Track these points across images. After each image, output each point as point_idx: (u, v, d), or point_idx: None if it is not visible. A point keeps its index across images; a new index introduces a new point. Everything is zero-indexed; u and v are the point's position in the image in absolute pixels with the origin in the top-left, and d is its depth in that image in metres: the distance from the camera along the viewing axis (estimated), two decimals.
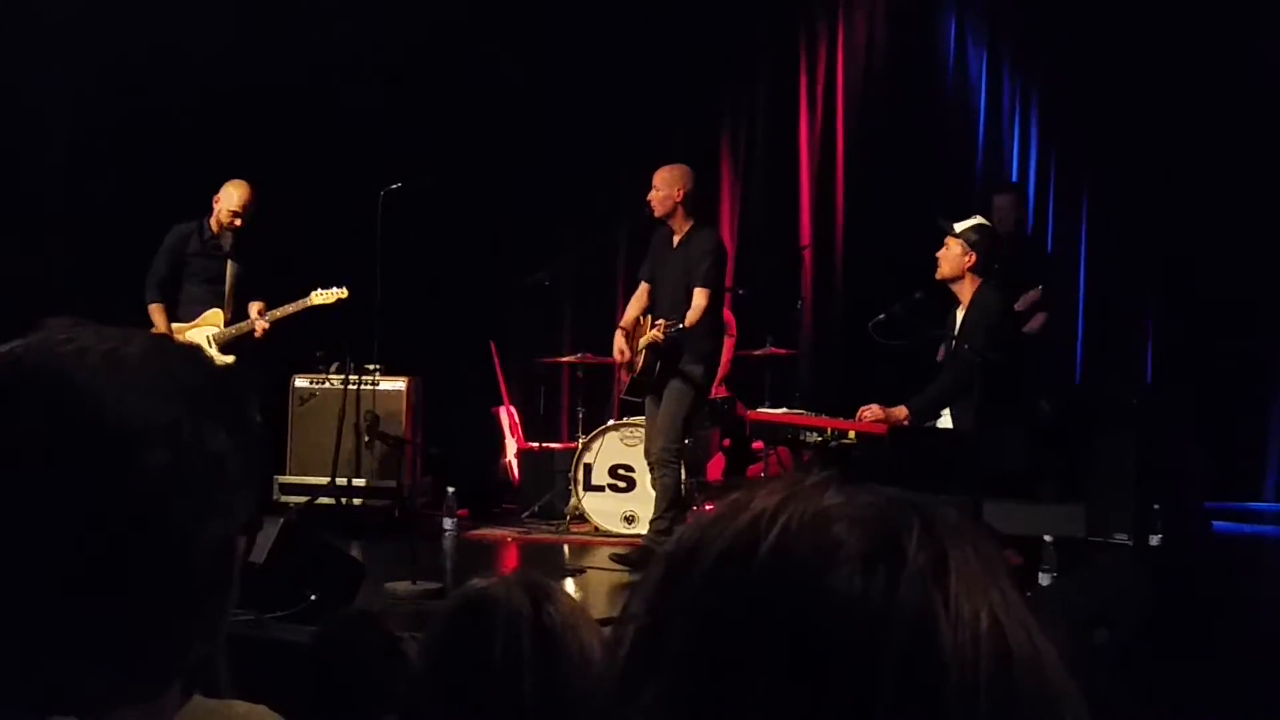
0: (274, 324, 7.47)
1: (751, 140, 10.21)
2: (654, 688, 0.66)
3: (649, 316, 6.83)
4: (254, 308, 7.48)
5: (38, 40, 8.16)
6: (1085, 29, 9.44)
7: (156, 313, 7.44)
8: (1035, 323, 7.77)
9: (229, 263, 7.49)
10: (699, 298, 6.60)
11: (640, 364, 6.75)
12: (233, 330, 7.42)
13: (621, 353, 6.91)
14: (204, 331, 7.43)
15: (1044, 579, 5.77)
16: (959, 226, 6.26)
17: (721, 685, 0.64)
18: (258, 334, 7.41)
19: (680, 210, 6.77)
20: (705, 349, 6.72)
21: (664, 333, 6.41)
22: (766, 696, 0.63)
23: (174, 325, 7.41)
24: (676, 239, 6.82)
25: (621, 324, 7.02)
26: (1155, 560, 6.61)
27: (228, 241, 7.47)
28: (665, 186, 6.75)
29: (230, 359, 7.28)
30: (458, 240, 9.12)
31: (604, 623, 1.87)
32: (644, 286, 7.03)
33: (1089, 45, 9.44)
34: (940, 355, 7.87)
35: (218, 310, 7.47)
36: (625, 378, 7.01)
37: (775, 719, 0.63)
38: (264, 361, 7.51)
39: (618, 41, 9.51)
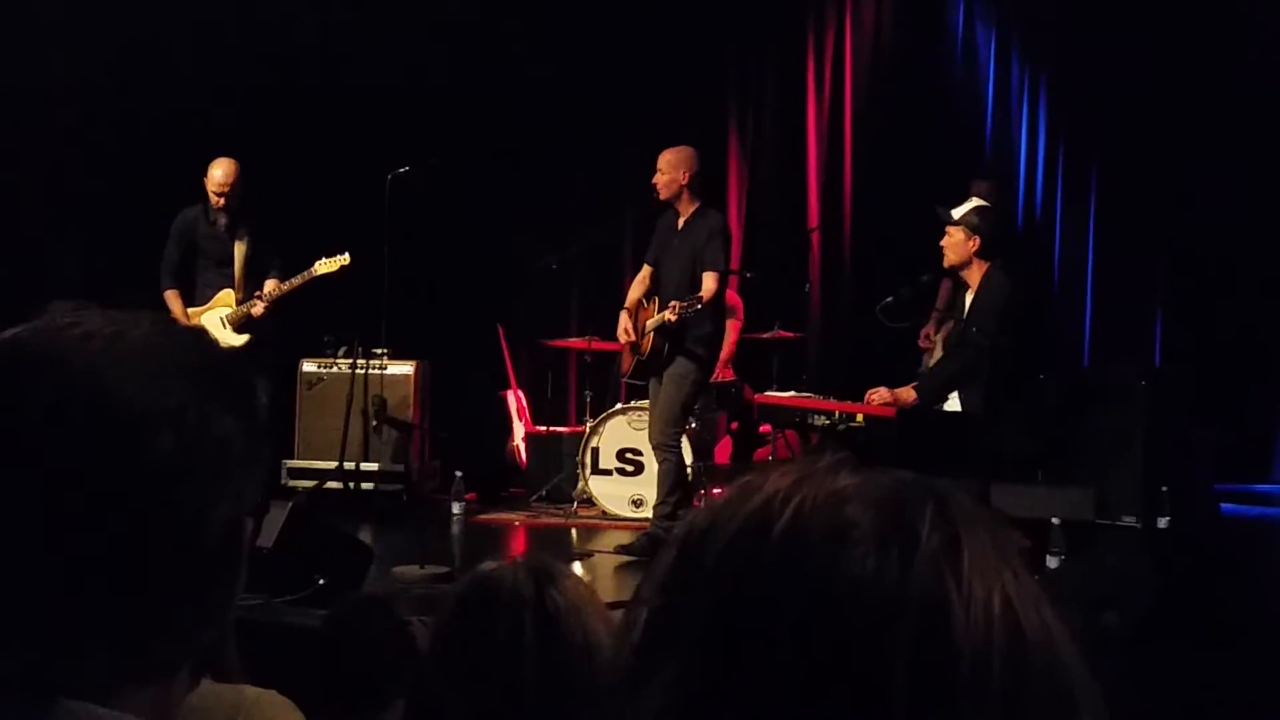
0: (285, 303, 7.49)
1: (759, 123, 10.19)
2: (668, 670, 0.66)
3: (653, 300, 6.79)
4: (269, 285, 7.49)
5: (37, 32, 8.16)
6: (1094, 13, 9.41)
7: (172, 299, 7.46)
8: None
9: (236, 243, 7.50)
10: (709, 281, 6.52)
11: (648, 346, 6.72)
12: (244, 309, 7.45)
13: (626, 332, 6.85)
14: (218, 313, 7.45)
15: (1052, 562, 5.77)
16: (957, 213, 6.24)
17: (736, 666, 0.64)
18: (255, 314, 7.42)
19: (686, 193, 6.70)
20: (707, 333, 6.67)
21: (678, 313, 6.36)
22: (781, 676, 0.63)
23: (189, 310, 7.43)
24: (681, 221, 6.76)
25: (626, 305, 6.96)
26: (1163, 543, 6.60)
27: (224, 222, 7.48)
28: (670, 169, 6.69)
29: (244, 338, 7.31)
30: (465, 224, 9.11)
31: (613, 606, 1.87)
32: (646, 270, 6.98)
33: (1098, 30, 9.41)
34: (922, 340, 7.85)
35: (229, 291, 7.49)
36: (629, 360, 6.96)
37: (789, 699, 0.63)
38: (276, 341, 7.53)
39: (625, 25, 9.48)
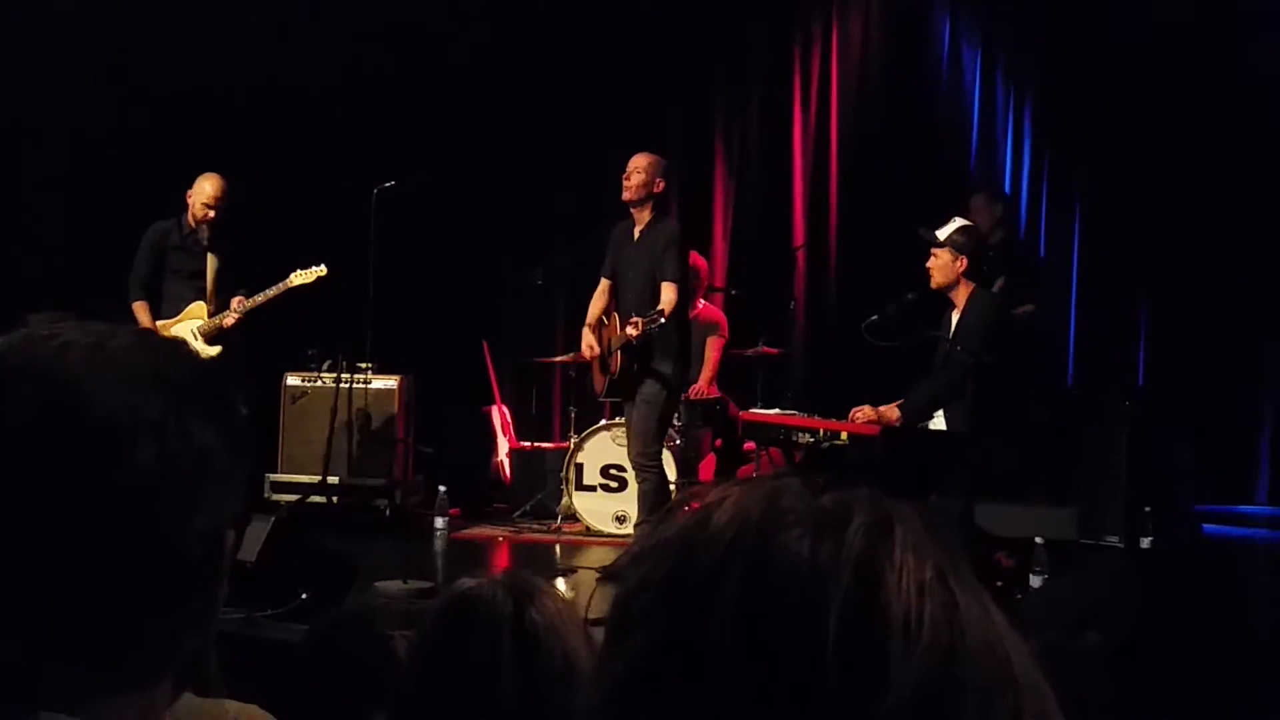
0: (264, 315, 7.46)
1: (745, 140, 10.20)
2: (624, 651, 0.71)
3: (614, 315, 6.74)
4: (235, 300, 7.46)
5: (34, 35, 8.16)
6: (1079, 31, 9.45)
7: (140, 310, 7.43)
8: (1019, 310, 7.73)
9: (209, 256, 7.47)
10: (668, 292, 6.45)
11: (617, 365, 6.67)
12: (216, 321, 7.42)
13: (591, 348, 6.81)
14: (189, 325, 7.41)
15: (1035, 581, 5.77)
16: (942, 234, 6.26)
17: (679, 642, 0.68)
18: (227, 325, 7.39)
19: (650, 201, 6.65)
20: (673, 345, 6.59)
21: (641, 329, 6.28)
22: (720, 649, 0.67)
23: (159, 322, 7.39)
24: (638, 230, 6.69)
25: (588, 322, 6.90)
26: (1146, 563, 6.61)
27: (205, 235, 7.45)
28: (645, 173, 6.60)
29: (216, 350, 7.28)
30: (450, 239, 9.11)
31: (595, 623, 1.87)
32: (605, 283, 6.90)
33: (1083, 47, 9.45)
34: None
35: (201, 303, 7.46)
36: (601, 379, 6.93)
37: (729, 669, 0.66)
38: (251, 352, 7.50)
39: (612, 41, 9.50)
